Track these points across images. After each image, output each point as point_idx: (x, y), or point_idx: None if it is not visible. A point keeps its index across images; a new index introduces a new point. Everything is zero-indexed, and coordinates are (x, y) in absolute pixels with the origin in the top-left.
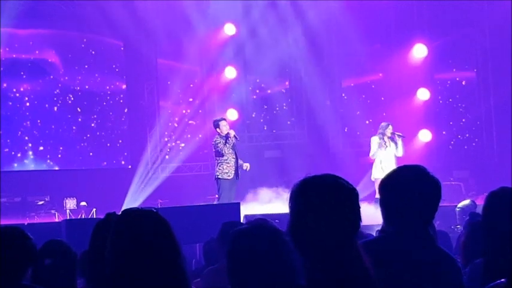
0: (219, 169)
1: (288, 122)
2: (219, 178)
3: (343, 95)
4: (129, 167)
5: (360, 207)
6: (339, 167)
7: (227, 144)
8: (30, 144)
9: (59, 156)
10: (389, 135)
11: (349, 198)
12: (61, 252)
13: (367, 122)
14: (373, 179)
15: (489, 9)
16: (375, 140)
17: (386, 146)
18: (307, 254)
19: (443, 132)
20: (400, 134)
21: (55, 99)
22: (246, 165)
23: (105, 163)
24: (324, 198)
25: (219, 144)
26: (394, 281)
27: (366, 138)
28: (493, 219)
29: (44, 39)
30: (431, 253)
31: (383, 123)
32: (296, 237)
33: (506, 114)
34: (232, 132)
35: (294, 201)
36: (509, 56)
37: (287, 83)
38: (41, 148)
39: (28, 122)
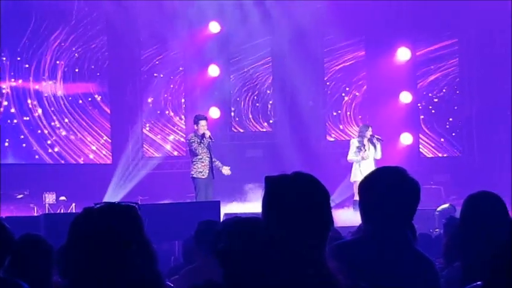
0: (194, 168)
1: (271, 121)
2: (194, 177)
3: (327, 95)
4: (110, 162)
5: (331, 207)
6: (321, 168)
7: (201, 144)
8: (8, 139)
9: (40, 150)
10: (368, 137)
11: (320, 198)
12: (37, 246)
13: (350, 123)
14: (352, 181)
15: (473, 15)
16: (354, 143)
17: (366, 149)
18: (276, 254)
19: (426, 136)
20: (379, 137)
21: (36, 94)
22: (226, 169)
23: (86, 158)
24: (293, 197)
25: (193, 144)
26: (370, 283)
27: (349, 140)
28: (471, 223)
29: (29, 33)
30: (408, 255)
31: (362, 126)
32: (266, 237)
33: (487, 118)
34: (207, 133)
35: (264, 201)
36: (492, 61)
37: (270, 82)
38: (24, 144)
39: (9, 117)
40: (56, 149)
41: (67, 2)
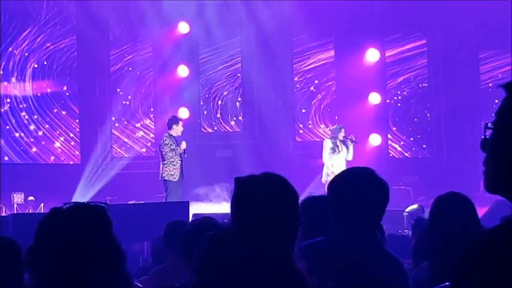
0: (165, 170)
1: (240, 120)
2: (165, 180)
3: (296, 96)
4: (79, 162)
5: (299, 207)
6: (290, 169)
7: (174, 151)
8: None
9: (8, 149)
10: (341, 138)
11: (289, 199)
12: (8, 249)
13: (319, 124)
14: (323, 181)
15: (441, 16)
16: (327, 144)
17: (339, 150)
18: (246, 255)
19: (394, 137)
20: (352, 138)
21: (5, 93)
22: (183, 144)
23: (54, 158)
24: (262, 198)
25: (165, 147)
26: (339, 283)
27: (317, 141)
28: (439, 224)
29: None
30: (377, 255)
31: (335, 127)
32: (235, 239)
33: (455, 119)
34: (184, 145)
35: (233, 202)
36: (460, 62)
37: (239, 82)
38: None
39: None
40: (24, 149)
41: (36, 2)
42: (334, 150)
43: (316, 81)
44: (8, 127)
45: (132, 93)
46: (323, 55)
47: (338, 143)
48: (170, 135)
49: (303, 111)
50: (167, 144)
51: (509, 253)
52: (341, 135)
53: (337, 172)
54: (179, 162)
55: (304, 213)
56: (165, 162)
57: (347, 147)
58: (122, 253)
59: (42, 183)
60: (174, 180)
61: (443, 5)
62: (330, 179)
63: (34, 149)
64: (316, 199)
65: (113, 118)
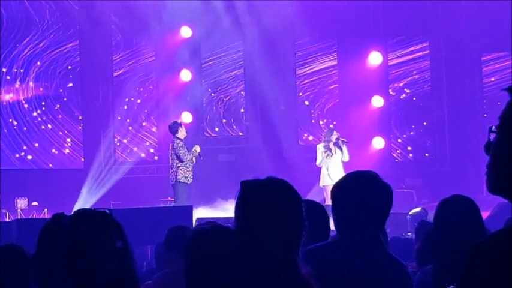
0: (180, 173)
1: (242, 121)
2: (181, 182)
3: (299, 99)
4: (82, 167)
5: (303, 212)
6: (293, 172)
7: (188, 153)
8: None
9: (10, 155)
10: (334, 141)
11: (292, 202)
12: (17, 257)
13: (322, 127)
14: (321, 185)
15: (444, 18)
16: (319, 148)
17: (332, 153)
18: (251, 257)
19: (398, 140)
20: (343, 139)
21: (8, 98)
22: (197, 148)
23: (58, 163)
24: (266, 202)
25: (181, 149)
26: (342, 287)
27: None
28: (444, 227)
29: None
30: (381, 259)
31: (327, 130)
32: (239, 242)
33: (458, 122)
34: (198, 149)
35: (238, 205)
36: (463, 65)
37: (242, 86)
38: None
39: None
40: (27, 153)
41: (39, 7)
42: (326, 152)
43: (319, 85)
44: (11, 124)
45: (135, 98)
46: (326, 58)
47: (331, 145)
48: (180, 139)
49: (306, 117)
50: (182, 146)
51: None
52: (333, 137)
53: (333, 175)
54: (191, 165)
55: None
56: (179, 165)
57: (340, 149)
58: (127, 259)
59: (46, 188)
60: (188, 182)
61: (445, 7)
62: (327, 182)
63: (37, 154)
64: (308, 202)
65: (116, 122)
